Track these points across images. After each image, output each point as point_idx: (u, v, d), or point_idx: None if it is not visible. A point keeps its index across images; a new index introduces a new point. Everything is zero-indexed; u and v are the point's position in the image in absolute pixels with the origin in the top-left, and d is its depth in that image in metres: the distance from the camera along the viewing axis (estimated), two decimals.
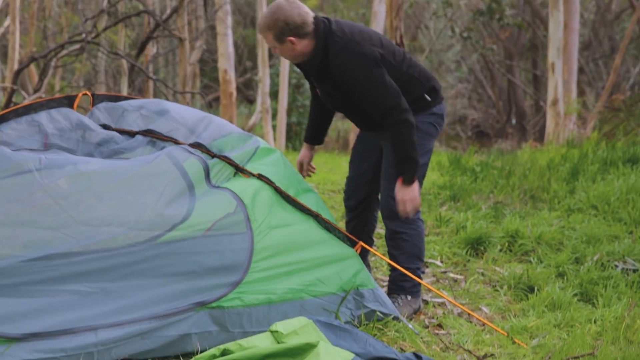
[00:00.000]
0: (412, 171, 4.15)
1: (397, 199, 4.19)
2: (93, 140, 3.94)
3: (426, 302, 4.54)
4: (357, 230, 4.51)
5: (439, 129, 4.45)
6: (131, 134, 4.03)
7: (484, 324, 4.21)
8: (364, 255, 4.41)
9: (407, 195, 4.16)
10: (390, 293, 4.38)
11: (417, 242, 4.36)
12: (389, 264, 4.39)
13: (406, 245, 4.33)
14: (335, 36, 4.09)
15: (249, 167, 3.92)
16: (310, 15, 4.08)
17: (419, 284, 4.37)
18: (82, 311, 3.28)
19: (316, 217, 3.95)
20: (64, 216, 3.43)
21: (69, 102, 4.15)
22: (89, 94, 4.23)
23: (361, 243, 4.04)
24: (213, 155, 3.87)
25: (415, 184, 4.17)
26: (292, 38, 4.06)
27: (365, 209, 4.58)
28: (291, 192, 3.98)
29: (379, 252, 4.58)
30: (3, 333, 3.13)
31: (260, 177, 3.87)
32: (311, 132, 4.69)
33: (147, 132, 4.01)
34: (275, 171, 4.00)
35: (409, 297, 4.34)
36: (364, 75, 4.07)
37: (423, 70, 4.40)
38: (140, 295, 3.40)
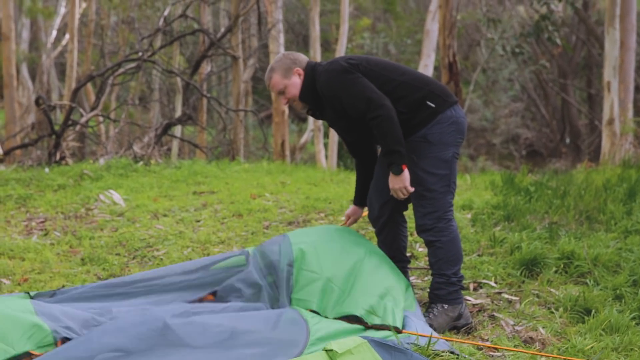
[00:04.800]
0: (397, 162, 4.31)
1: (390, 188, 4.41)
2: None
3: (481, 323, 4.50)
4: (387, 243, 4.74)
5: (457, 135, 4.45)
6: None
7: (539, 346, 4.16)
8: (404, 273, 4.72)
9: (397, 185, 4.38)
10: (429, 304, 4.46)
11: (451, 247, 4.46)
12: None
13: (440, 252, 4.45)
14: (319, 65, 4.48)
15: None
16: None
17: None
18: None
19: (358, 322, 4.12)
20: None
21: None
22: None
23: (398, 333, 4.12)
24: None
25: (405, 173, 4.33)
26: (298, 69, 4.44)
27: (389, 223, 4.72)
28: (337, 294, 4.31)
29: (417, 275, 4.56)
30: None
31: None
32: (358, 196, 4.94)
33: None
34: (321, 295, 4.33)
35: (446, 306, 4.35)
36: (337, 86, 4.37)
37: (420, 77, 4.50)
38: None
